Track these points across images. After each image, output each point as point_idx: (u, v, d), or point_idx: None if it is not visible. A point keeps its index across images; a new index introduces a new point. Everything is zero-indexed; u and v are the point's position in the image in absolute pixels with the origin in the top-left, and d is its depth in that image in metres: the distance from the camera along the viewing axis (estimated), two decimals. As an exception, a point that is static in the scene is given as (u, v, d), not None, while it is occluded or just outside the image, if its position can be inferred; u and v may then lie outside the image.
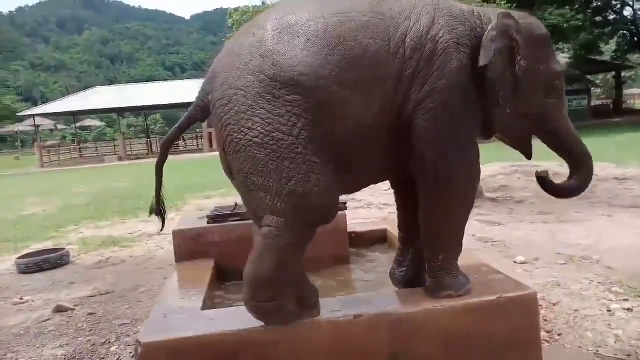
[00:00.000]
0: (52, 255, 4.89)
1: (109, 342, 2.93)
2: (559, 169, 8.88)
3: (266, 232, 1.79)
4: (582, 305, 2.92)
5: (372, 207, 6.53)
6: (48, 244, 5.86)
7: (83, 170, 20.87)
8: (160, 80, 61.45)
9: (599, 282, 3.29)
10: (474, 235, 4.70)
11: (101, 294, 3.91)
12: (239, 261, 2.97)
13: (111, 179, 14.81)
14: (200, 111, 1.88)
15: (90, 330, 3.14)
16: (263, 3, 23.14)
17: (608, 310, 2.84)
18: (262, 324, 1.87)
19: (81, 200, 9.86)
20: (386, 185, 6.56)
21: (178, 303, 2.26)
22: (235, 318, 1.99)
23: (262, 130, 1.71)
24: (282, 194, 1.74)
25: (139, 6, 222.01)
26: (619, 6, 26.10)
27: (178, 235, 2.95)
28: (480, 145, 2.07)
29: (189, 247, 2.94)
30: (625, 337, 2.50)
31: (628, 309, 2.83)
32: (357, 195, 7.70)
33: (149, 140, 32.89)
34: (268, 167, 1.73)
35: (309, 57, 1.71)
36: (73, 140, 36.72)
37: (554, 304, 2.97)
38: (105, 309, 3.55)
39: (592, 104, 32.82)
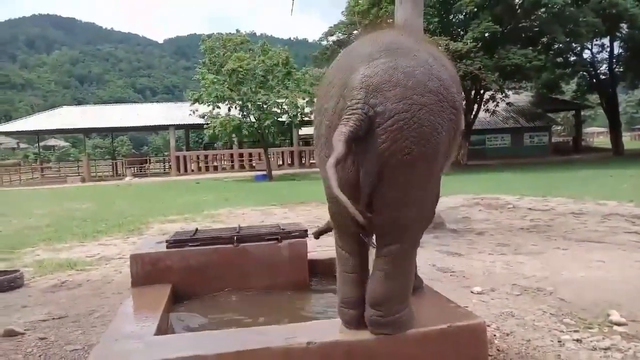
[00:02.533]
0: (4, 277, 4.73)
1: (59, 369, 2.84)
2: (516, 202, 9.16)
3: (409, 244, 1.99)
4: (534, 336, 2.99)
5: (337, 235, 6.56)
6: (1, 266, 5.66)
7: (44, 190, 20.32)
8: (129, 102, 60.82)
9: (551, 314, 3.37)
10: (434, 265, 4.77)
11: (54, 319, 3.79)
12: (197, 287, 2.98)
13: (73, 200, 14.47)
14: (365, 124, 1.77)
15: (40, 356, 3.03)
16: (237, 30, 23.41)
17: (559, 341, 2.91)
18: (214, 350, 1.86)
19: (40, 222, 9.58)
20: (348, 213, 6.42)
21: (131, 328, 2.22)
22: (189, 344, 1.97)
23: (436, 146, 1.84)
24: (428, 208, 2.02)
25: (112, 28, 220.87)
26: (578, 49, 27.34)
27: (135, 259, 2.91)
28: (444, 177, 2.20)
29: (146, 271, 2.90)
30: (573, 367, 2.57)
31: (577, 340, 2.90)
32: (321, 222, 7.74)
33: (114, 161, 32.37)
34: (428, 181, 1.92)
35: (453, 87, 1.95)
36: (35, 160, 35.82)
37: (507, 334, 3.03)
38: (57, 333, 3.44)
39: (553, 140, 34.01)
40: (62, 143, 45.88)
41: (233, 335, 2.10)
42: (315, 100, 2.18)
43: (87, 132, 35.81)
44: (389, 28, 2.39)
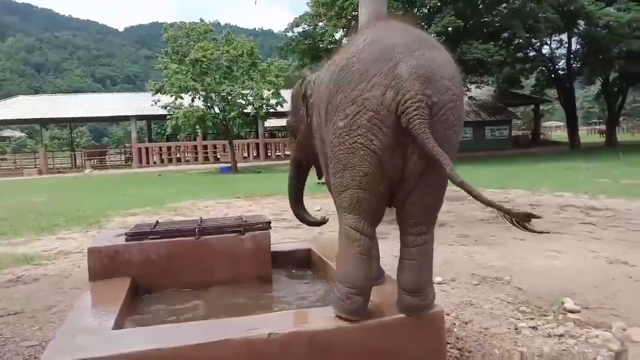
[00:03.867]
0: (-45, 272, 4.55)
1: (13, 365, 2.75)
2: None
3: (434, 228, 2.09)
4: (492, 324, 3.08)
5: (302, 226, 6.56)
6: (-48, 261, 5.45)
7: (-2, 183, 19.60)
8: (89, 91, 59.14)
9: (508, 302, 3.47)
10: (396, 256, 4.82)
11: (9, 314, 3.67)
12: (158, 280, 2.93)
13: (29, 193, 14.02)
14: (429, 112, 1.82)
15: (-8, 353, 2.94)
16: (201, 19, 23.01)
17: (515, 329, 3.00)
18: (174, 343, 1.84)
19: (-6, 215, 9.25)
20: (317, 205, 6.66)
21: (88, 323, 2.17)
22: (148, 337, 1.94)
23: (460, 134, 2.03)
24: None
25: (70, 15, 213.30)
26: (538, 44, 28.05)
27: (93, 252, 2.84)
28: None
29: (104, 265, 2.83)
30: (529, 354, 2.65)
31: (533, 327, 3.00)
32: (287, 215, 7.73)
33: (73, 153, 31.48)
34: None
35: None
36: (-11, 151, 34.50)
37: (466, 323, 3.10)
38: (12, 330, 3.34)
39: (513, 134, 34.86)
40: (17, 134, 44.20)
41: (193, 328, 2.08)
42: (325, 92, 2.11)
43: (44, 122, 34.61)
44: (395, 18, 2.44)
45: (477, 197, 1.79)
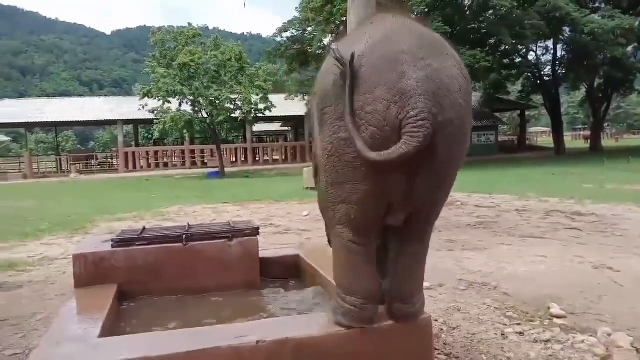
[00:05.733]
0: (-63, 279, 4.48)
1: (-4, 374, 2.71)
2: (465, 199, 9.41)
3: (428, 239, 2.09)
4: (479, 329, 3.09)
5: (290, 232, 6.56)
6: None
7: (-18, 187, 19.33)
8: (75, 95, 58.61)
9: (495, 308, 3.49)
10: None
11: (-8, 322, 3.62)
12: (145, 287, 2.90)
13: (13, 198, 13.84)
14: (431, 135, 1.70)
15: (-25, 362, 2.90)
16: (189, 24, 22.96)
17: (502, 334, 3.02)
18: (163, 351, 1.83)
19: (-23, 220, 9.11)
20: (305, 210, 6.65)
21: (73, 330, 2.14)
22: (135, 345, 1.92)
23: (468, 143, 1.96)
24: None
25: (56, 18, 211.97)
26: (524, 50, 28.38)
27: (78, 259, 2.81)
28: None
29: (90, 272, 2.80)
30: None
31: (520, 333, 3.02)
32: (275, 220, 7.72)
33: (58, 158, 31.16)
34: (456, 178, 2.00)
35: None
36: (-27, 155, 34.05)
37: (454, 328, 3.11)
38: (-5, 338, 3.29)
39: (499, 139, 35.18)
40: (2, 138, 43.62)
41: (180, 335, 2.06)
42: (331, 100, 1.91)
43: (29, 126, 34.26)
44: (396, 9, 2.35)
45: None
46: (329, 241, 2.75)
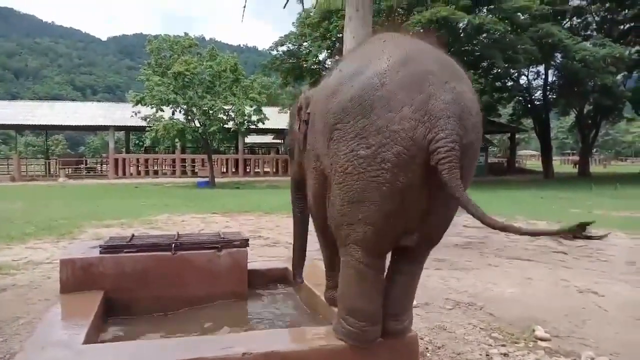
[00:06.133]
0: None
1: (-25, 378, 2.67)
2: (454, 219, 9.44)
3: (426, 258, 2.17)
4: (464, 349, 3.10)
5: (279, 245, 6.55)
6: None
7: (-32, 188, 19.10)
8: (68, 99, 58.35)
9: (481, 328, 3.51)
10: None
11: (-27, 325, 3.56)
12: (132, 295, 2.88)
13: (0, 200, 13.68)
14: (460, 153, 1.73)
15: (-46, 365, 2.85)
16: (185, 33, 23.03)
17: (487, 355, 3.02)
18: None
19: (-38, 221, 9.00)
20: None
21: (58, 336, 2.13)
22: (119, 353, 1.91)
23: None
24: None
25: (52, 22, 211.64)
26: (516, 74, 28.73)
27: (65, 264, 2.79)
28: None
29: (77, 277, 2.78)
30: (499, 380, 2.68)
31: (504, 354, 3.03)
32: (264, 232, 7.70)
33: (47, 161, 30.91)
34: None
35: None
36: (-40, 156, 33.70)
37: (439, 347, 3.12)
38: (-25, 341, 3.23)
39: (489, 161, 35.44)
40: (-9, 139, 43.38)
41: (166, 345, 2.06)
42: (354, 116, 1.84)
43: (19, 128, 33.99)
44: (413, 32, 2.40)
45: (522, 232, 1.79)
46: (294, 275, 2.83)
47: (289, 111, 2.89)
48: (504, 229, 1.69)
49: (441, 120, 1.70)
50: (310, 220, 2.68)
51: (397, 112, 1.74)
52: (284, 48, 27.17)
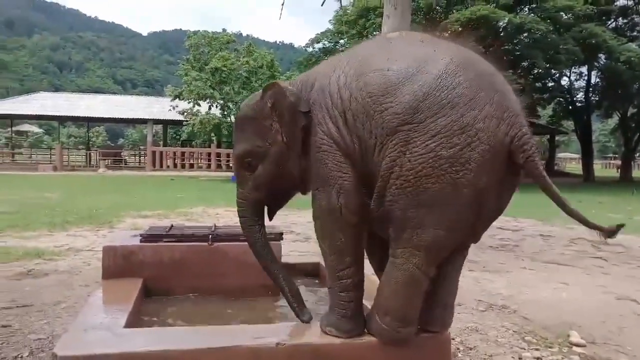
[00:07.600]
0: (-31, 262, 4.62)
1: (21, 357, 2.79)
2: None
3: None
4: (496, 352, 3.07)
5: (310, 240, 6.59)
6: (-35, 251, 5.53)
7: (14, 176, 19.85)
8: (108, 93, 59.90)
9: (514, 331, 3.46)
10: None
11: (18, 307, 3.72)
12: (169, 283, 2.97)
13: (43, 189, 14.17)
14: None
15: (1, 343, 2.98)
16: (223, 29, 23.37)
17: (519, 358, 2.99)
18: (184, 346, 1.88)
19: (8, 208, 9.37)
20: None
21: (100, 319, 2.21)
22: (157, 337, 1.98)
23: None
24: None
25: (96, 16, 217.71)
26: (557, 75, 28.03)
27: (108, 251, 2.90)
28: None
29: (118, 264, 2.88)
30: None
31: (537, 358, 2.99)
32: (296, 228, 7.76)
33: (88, 152, 31.85)
34: None
35: None
36: (7, 145, 35.02)
37: (470, 348, 3.10)
38: (21, 322, 3.38)
39: (527, 163, 34.60)
40: (35, 129, 44.78)
41: (202, 333, 2.11)
42: (438, 115, 1.74)
43: (63, 120, 35.15)
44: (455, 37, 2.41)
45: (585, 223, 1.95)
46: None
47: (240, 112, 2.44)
48: (585, 222, 1.96)
49: (519, 117, 1.76)
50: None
51: (481, 110, 1.72)
52: (320, 45, 27.23)
